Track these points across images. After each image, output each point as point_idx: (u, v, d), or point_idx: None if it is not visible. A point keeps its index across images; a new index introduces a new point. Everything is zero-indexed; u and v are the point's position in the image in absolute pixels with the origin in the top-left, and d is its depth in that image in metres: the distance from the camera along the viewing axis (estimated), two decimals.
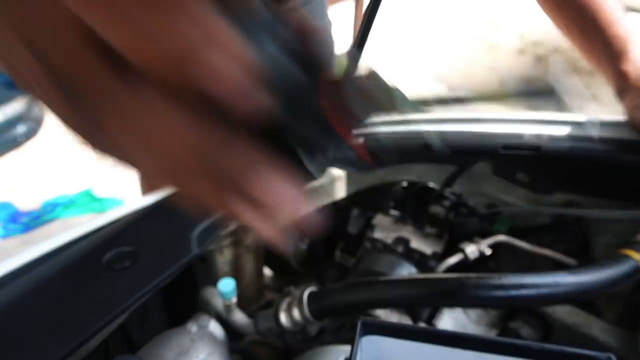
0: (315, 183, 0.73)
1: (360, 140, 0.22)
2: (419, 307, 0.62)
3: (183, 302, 0.71)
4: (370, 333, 0.39)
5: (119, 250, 0.53)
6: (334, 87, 0.21)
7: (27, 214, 2.23)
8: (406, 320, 0.61)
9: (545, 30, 4.19)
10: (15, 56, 0.17)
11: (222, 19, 0.16)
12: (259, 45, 0.18)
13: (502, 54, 3.86)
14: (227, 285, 0.58)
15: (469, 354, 0.37)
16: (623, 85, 0.63)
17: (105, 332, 0.52)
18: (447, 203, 0.75)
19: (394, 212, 0.78)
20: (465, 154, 0.72)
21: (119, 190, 2.38)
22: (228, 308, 0.61)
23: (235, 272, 0.71)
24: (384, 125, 0.84)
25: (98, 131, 0.18)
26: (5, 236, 2.11)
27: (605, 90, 0.68)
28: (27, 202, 2.31)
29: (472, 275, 0.49)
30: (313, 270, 0.91)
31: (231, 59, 0.16)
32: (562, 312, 0.59)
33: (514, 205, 0.74)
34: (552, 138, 0.68)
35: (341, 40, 1.09)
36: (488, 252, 0.65)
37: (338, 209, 0.81)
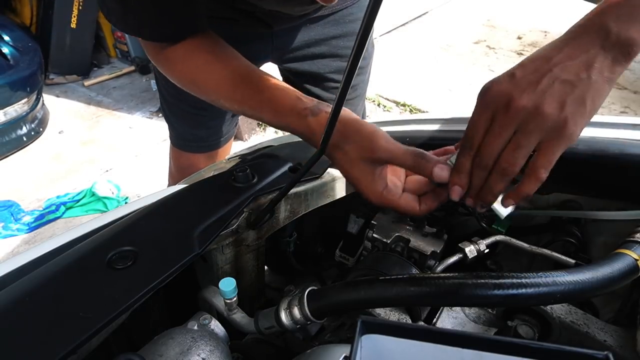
0: (315, 182, 0.74)
1: None
2: (419, 306, 0.62)
3: (184, 301, 0.72)
4: (370, 332, 0.39)
5: (121, 250, 0.54)
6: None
7: (31, 213, 2.24)
8: (405, 319, 0.62)
9: (543, 32, 4.18)
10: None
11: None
12: None
13: (499, 55, 3.85)
14: (227, 284, 0.58)
15: (468, 353, 0.38)
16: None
17: (107, 331, 0.53)
18: (446, 202, 0.76)
19: (393, 211, 0.78)
20: None
21: (121, 190, 2.38)
22: (229, 307, 0.61)
23: (236, 271, 0.72)
24: (383, 125, 0.84)
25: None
26: (8, 236, 2.12)
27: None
28: (31, 202, 2.32)
29: (471, 274, 0.49)
30: (313, 269, 0.91)
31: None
32: (561, 311, 0.60)
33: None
34: None
35: None
36: (487, 251, 0.65)
37: (338, 208, 0.82)
